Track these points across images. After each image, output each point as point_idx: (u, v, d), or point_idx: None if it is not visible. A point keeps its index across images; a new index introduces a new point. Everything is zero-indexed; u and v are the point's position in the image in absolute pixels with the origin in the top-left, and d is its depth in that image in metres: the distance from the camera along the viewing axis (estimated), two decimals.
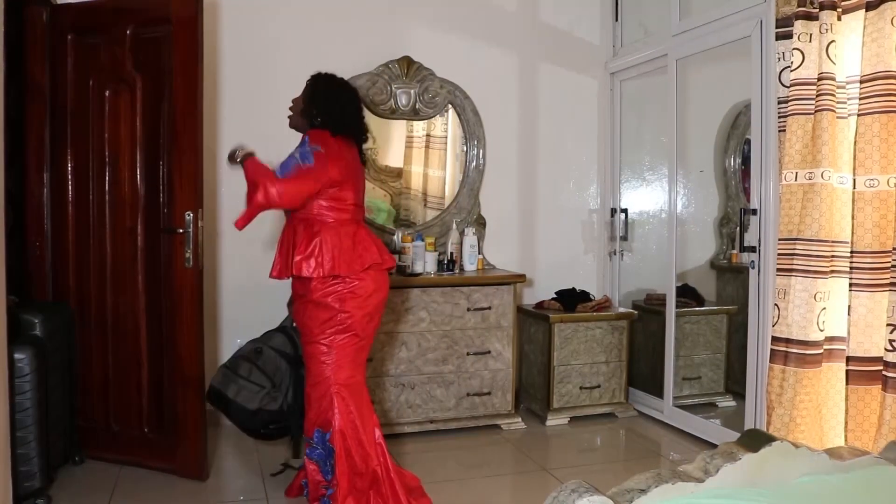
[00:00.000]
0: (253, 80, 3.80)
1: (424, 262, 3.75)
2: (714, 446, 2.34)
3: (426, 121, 4.13)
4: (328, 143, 2.54)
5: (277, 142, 3.84)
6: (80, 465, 3.13)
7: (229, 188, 3.79)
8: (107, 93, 3.12)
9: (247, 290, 3.82)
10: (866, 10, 2.61)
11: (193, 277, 2.96)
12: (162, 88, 3.03)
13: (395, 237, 3.96)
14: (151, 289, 3.11)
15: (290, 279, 2.61)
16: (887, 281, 2.57)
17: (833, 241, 2.71)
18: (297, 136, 3.82)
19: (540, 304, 4.10)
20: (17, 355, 2.58)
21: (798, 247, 2.78)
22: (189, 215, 2.93)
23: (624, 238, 4.40)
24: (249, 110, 3.80)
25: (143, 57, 3.06)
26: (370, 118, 3.96)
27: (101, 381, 3.17)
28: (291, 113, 2.77)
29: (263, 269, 3.80)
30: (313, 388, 2.59)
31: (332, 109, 2.63)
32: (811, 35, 2.77)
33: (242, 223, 2.48)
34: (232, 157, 2.53)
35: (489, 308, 3.73)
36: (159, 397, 3.12)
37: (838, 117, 2.70)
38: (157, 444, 3.10)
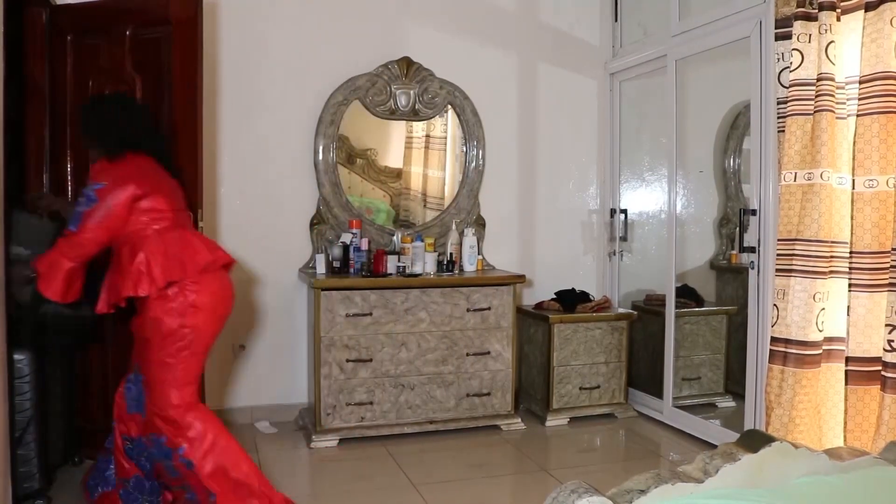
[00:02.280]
0: (252, 81, 3.80)
1: (424, 262, 3.75)
2: (714, 447, 2.34)
3: (426, 121, 4.13)
4: (109, 171, 2.43)
5: (276, 142, 3.87)
6: (80, 465, 3.12)
7: (229, 188, 3.79)
8: (107, 93, 3.11)
9: (246, 291, 3.82)
10: (865, 11, 2.61)
11: None
12: (162, 89, 3.03)
13: (394, 238, 3.96)
14: None
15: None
16: (886, 281, 2.57)
17: (832, 242, 2.71)
18: (294, 136, 3.87)
19: (539, 305, 4.10)
20: (16, 356, 2.58)
21: (797, 247, 2.79)
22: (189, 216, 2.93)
23: (623, 238, 4.41)
24: (248, 110, 3.80)
25: (142, 57, 3.06)
26: (369, 119, 3.98)
27: (101, 382, 3.17)
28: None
29: (262, 269, 3.84)
30: (150, 404, 2.47)
31: (107, 132, 2.50)
32: (810, 35, 2.77)
33: (51, 289, 2.36)
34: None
35: (489, 308, 3.73)
36: None
37: (837, 118, 2.71)
38: None
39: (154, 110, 3.06)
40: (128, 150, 2.48)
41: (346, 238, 3.75)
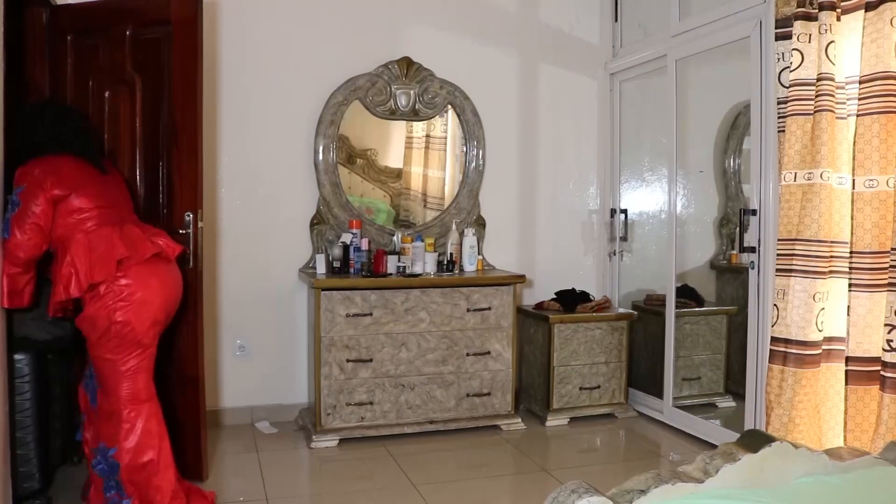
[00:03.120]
0: (252, 81, 3.80)
1: (424, 262, 3.75)
2: (714, 447, 2.34)
3: (426, 121, 4.13)
4: (27, 173, 2.44)
5: (276, 142, 3.87)
6: (79, 465, 3.12)
7: (229, 189, 3.79)
8: (106, 93, 3.11)
9: (246, 291, 3.82)
10: (865, 11, 2.61)
11: (193, 278, 2.95)
12: (161, 89, 3.03)
13: (394, 238, 3.96)
14: None
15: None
16: (886, 281, 2.57)
17: (832, 242, 2.71)
18: (294, 136, 3.86)
19: (540, 305, 4.10)
20: (16, 356, 2.57)
21: (797, 247, 2.79)
22: (189, 216, 2.93)
23: (623, 239, 4.40)
24: (249, 110, 3.80)
25: (142, 58, 3.06)
26: (369, 119, 3.98)
27: None
28: None
29: (263, 269, 3.84)
30: (102, 401, 2.50)
31: (22, 137, 2.53)
32: (810, 35, 2.77)
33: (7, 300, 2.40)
34: None
35: (489, 309, 3.73)
36: (159, 397, 3.10)
37: (837, 118, 2.71)
38: None
39: (154, 110, 3.07)
40: (44, 153, 2.50)
41: (347, 238, 3.76)
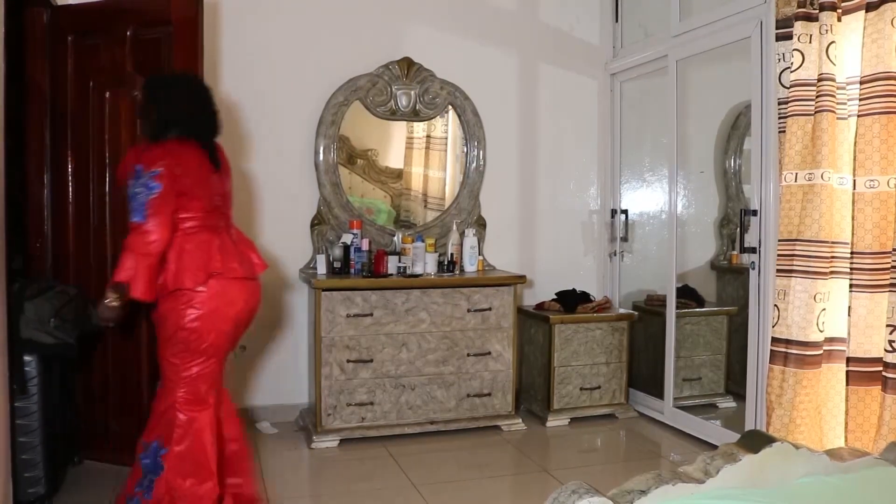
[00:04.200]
0: (253, 81, 3.80)
1: (425, 263, 3.75)
2: (714, 447, 2.34)
3: (426, 122, 4.13)
4: (160, 156, 2.33)
5: (276, 142, 3.87)
6: (79, 465, 3.12)
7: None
8: (107, 94, 3.11)
9: None
10: (866, 11, 2.61)
11: None
12: None
13: (395, 238, 3.96)
14: None
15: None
16: (887, 282, 2.57)
17: (833, 242, 2.71)
18: (294, 137, 3.86)
19: (540, 305, 4.09)
20: (25, 358, 2.56)
21: (798, 248, 2.78)
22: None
23: (624, 239, 4.40)
24: (249, 111, 3.80)
25: (143, 58, 3.06)
26: (370, 119, 3.98)
27: (101, 382, 3.17)
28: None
29: (271, 268, 3.78)
30: (161, 398, 2.48)
31: (167, 112, 2.42)
32: (811, 36, 2.77)
33: (139, 291, 2.28)
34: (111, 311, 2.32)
35: (489, 309, 3.73)
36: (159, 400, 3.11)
37: (838, 118, 2.71)
38: None
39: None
40: (173, 134, 2.39)
41: (347, 238, 3.76)
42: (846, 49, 2.71)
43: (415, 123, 4.11)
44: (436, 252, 3.84)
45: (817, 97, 2.74)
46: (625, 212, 4.39)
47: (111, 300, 2.29)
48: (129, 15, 3.06)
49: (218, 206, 2.51)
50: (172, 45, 2.94)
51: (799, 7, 2.80)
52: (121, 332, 3.13)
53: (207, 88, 2.56)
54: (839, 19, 2.70)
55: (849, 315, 2.73)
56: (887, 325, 2.53)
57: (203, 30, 2.94)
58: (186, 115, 2.45)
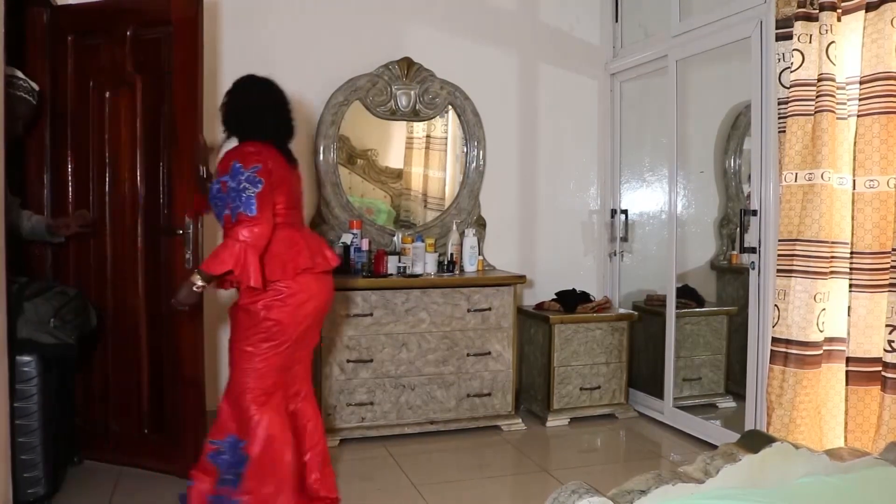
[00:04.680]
0: None
1: (425, 263, 3.75)
2: (714, 447, 2.34)
3: (426, 122, 4.13)
4: (254, 155, 2.43)
5: None
6: (79, 465, 3.12)
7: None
8: (107, 94, 3.12)
9: None
10: (866, 11, 2.61)
11: None
12: (162, 89, 3.03)
13: (395, 238, 3.96)
14: (151, 289, 3.11)
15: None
16: (887, 282, 2.57)
17: (833, 242, 2.71)
18: (301, 138, 3.85)
19: (540, 305, 4.09)
20: (24, 358, 2.56)
21: (798, 248, 2.78)
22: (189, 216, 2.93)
23: (624, 239, 4.40)
24: None
25: (143, 58, 3.06)
26: (370, 119, 3.98)
27: (101, 382, 3.17)
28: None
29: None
30: (231, 391, 2.52)
31: (249, 114, 2.54)
32: (811, 36, 2.77)
33: (250, 278, 2.34)
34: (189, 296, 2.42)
35: (489, 309, 3.73)
36: (159, 398, 3.12)
37: (838, 118, 2.71)
38: (157, 445, 3.10)
39: (154, 110, 3.07)
40: (261, 137, 2.50)
41: (347, 238, 3.76)
42: (846, 49, 2.71)
43: (415, 123, 4.11)
44: (436, 252, 3.84)
45: (817, 97, 2.74)
46: (625, 212, 4.39)
47: (199, 286, 2.38)
48: (129, 15, 3.06)
49: (296, 203, 2.61)
50: (172, 45, 2.94)
51: (799, 7, 2.80)
52: (120, 332, 3.13)
53: (284, 93, 2.65)
54: (839, 19, 2.70)
55: (849, 315, 2.73)
56: (887, 325, 2.53)
57: (203, 30, 2.93)
58: (268, 117, 2.56)
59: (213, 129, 3.71)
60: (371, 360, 3.55)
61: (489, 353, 3.74)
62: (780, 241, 2.89)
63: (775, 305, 2.88)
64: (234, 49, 3.76)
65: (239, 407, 2.49)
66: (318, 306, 2.58)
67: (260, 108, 2.56)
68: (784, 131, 2.89)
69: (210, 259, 2.37)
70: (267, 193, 2.39)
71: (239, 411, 2.49)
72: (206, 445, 2.56)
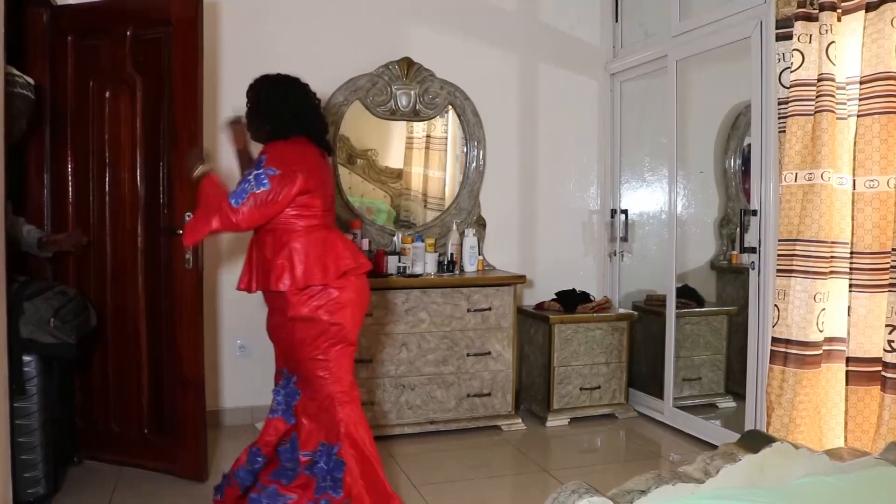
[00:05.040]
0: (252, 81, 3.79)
1: (424, 263, 3.75)
2: (714, 447, 2.34)
3: (426, 122, 4.13)
4: (286, 157, 2.40)
5: None
6: (79, 465, 3.12)
7: (230, 189, 3.78)
8: (107, 94, 3.12)
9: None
10: (866, 11, 2.61)
11: (193, 278, 2.96)
12: (162, 89, 3.03)
13: (395, 238, 3.96)
14: (151, 289, 3.12)
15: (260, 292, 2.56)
16: (887, 282, 2.57)
17: (833, 242, 2.71)
18: None
19: (540, 305, 4.10)
20: (25, 358, 2.56)
21: (798, 247, 2.78)
22: (189, 216, 2.93)
23: (624, 239, 4.40)
24: None
25: (143, 58, 3.07)
26: (370, 119, 3.98)
27: (101, 382, 3.17)
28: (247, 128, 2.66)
29: None
30: (311, 401, 2.52)
31: (280, 112, 2.50)
32: (811, 36, 2.77)
33: (191, 240, 2.47)
34: (190, 169, 2.49)
35: (489, 309, 3.73)
36: (159, 398, 3.12)
37: (838, 118, 2.71)
38: (157, 445, 3.10)
39: (154, 110, 3.07)
40: (295, 133, 2.48)
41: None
42: (846, 49, 2.71)
43: (415, 123, 4.11)
44: (436, 252, 3.84)
45: (817, 97, 2.74)
46: (625, 212, 4.39)
47: (194, 175, 2.46)
48: (129, 15, 3.06)
49: (330, 206, 2.59)
50: (172, 45, 2.95)
51: (799, 7, 2.80)
52: (121, 332, 3.13)
53: (311, 90, 2.63)
54: (839, 19, 2.70)
55: (848, 315, 2.73)
56: (887, 325, 2.53)
57: (203, 30, 2.93)
58: (300, 115, 2.53)
59: (214, 130, 3.72)
60: (371, 360, 3.54)
61: (489, 353, 3.74)
62: (779, 241, 2.89)
63: (775, 305, 2.88)
64: (234, 49, 3.76)
65: (327, 414, 2.48)
66: (365, 304, 2.59)
67: (289, 105, 2.53)
68: (784, 131, 2.89)
69: (211, 186, 2.43)
70: (264, 196, 2.34)
71: (327, 418, 2.49)
72: (300, 459, 2.53)
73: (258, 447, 2.59)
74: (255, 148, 2.61)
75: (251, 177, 2.36)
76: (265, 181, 2.34)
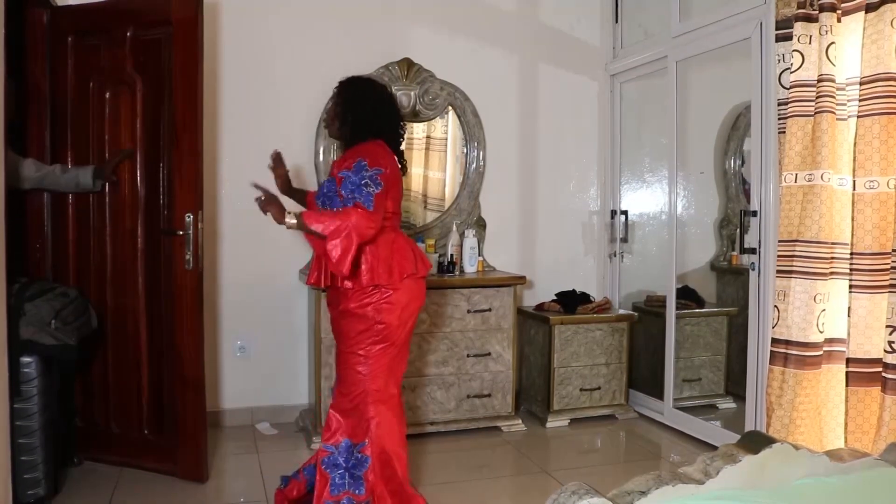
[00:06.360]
0: (253, 81, 3.80)
1: None
2: (714, 448, 2.34)
3: (426, 122, 4.13)
4: (382, 157, 2.45)
5: (276, 143, 3.84)
6: (79, 466, 3.12)
7: (229, 190, 3.79)
8: (107, 94, 3.12)
9: (246, 292, 3.82)
10: (866, 12, 2.61)
11: (193, 279, 2.96)
12: (162, 90, 3.03)
13: None
14: (151, 290, 3.12)
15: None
16: (887, 282, 2.57)
17: (833, 243, 2.71)
18: (294, 137, 3.86)
19: (540, 306, 4.09)
20: (24, 359, 2.55)
21: (798, 248, 2.78)
22: (189, 217, 2.93)
23: (624, 240, 4.40)
24: (249, 111, 3.80)
25: (143, 58, 3.07)
26: None
27: (102, 383, 3.17)
28: (326, 124, 2.69)
29: (263, 270, 3.84)
30: (344, 396, 2.53)
31: (378, 115, 2.56)
32: (811, 37, 2.77)
33: (345, 266, 2.31)
34: (279, 216, 2.40)
35: (489, 310, 3.73)
36: (159, 399, 3.12)
37: (838, 119, 2.71)
38: (157, 446, 3.10)
39: (154, 110, 3.07)
40: (380, 136, 2.52)
41: None
42: (846, 50, 2.71)
43: (415, 124, 4.11)
44: (436, 253, 3.84)
45: (817, 98, 2.74)
46: (625, 212, 4.39)
47: (289, 224, 2.36)
48: (129, 16, 3.06)
49: (400, 209, 2.64)
50: (173, 46, 2.95)
51: (799, 8, 2.80)
52: (121, 332, 3.13)
53: (394, 97, 2.67)
54: (839, 20, 2.70)
55: (848, 316, 2.73)
56: (887, 326, 2.53)
57: (203, 30, 2.93)
58: (384, 120, 2.58)
59: (213, 130, 3.72)
60: None
61: (489, 353, 3.74)
62: (779, 241, 2.89)
63: (775, 306, 2.88)
64: (234, 49, 3.76)
65: (357, 411, 2.50)
66: (417, 309, 2.61)
67: (375, 109, 2.57)
68: (784, 132, 2.89)
69: (315, 214, 2.38)
70: (382, 197, 2.39)
71: (357, 415, 2.50)
72: (320, 451, 2.57)
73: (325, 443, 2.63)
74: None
75: (364, 182, 2.36)
76: (378, 181, 2.38)
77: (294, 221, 2.35)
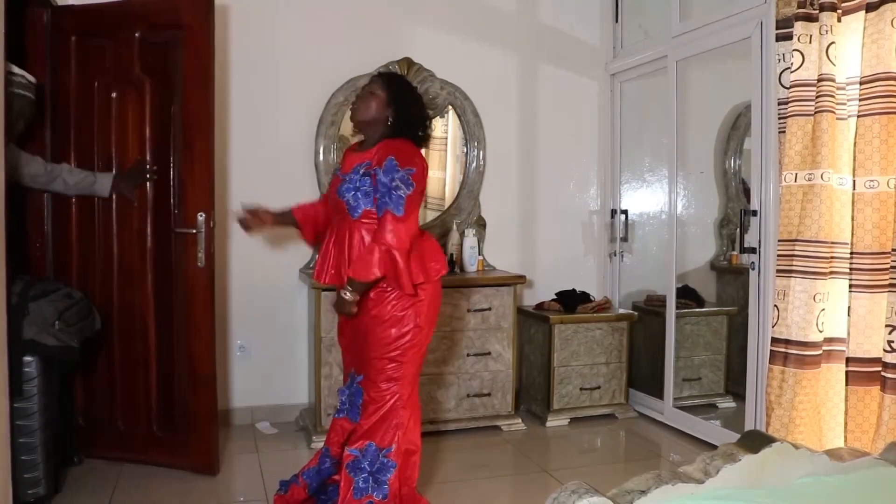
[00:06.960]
0: (256, 82, 3.80)
1: None
2: (714, 447, 2.34)
3: None
4: (413, 155, 2.41)
5: (277, 143, 3.87)
6: (79, 465, 3.12)
7: (237, 189, 3.78)
8: (113, 95, 3.11)
9: (246, 291, 3.82)
10: (866, 12, 2.62)
11: (205, 277, 2.98)
12: (171, 91, 3.03)
13: None
14: (160, 289, 3.12)
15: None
16: (887, 282, 2.57)
17: (832, 243, 2.71)
18: (295, 137, 3.86)
19: (540, 305, 4.10)
20: (26, 358, 2.55)
21: (798, 248, 2.79)
22: (201, 216, 2.96)
23: (624, 239, 4.40)
24: (253, 112, 3.80)
25: (151, 60, 3.05)
26: None
27: (108, 381, 3.17)
28: (355, 109, 2.54)
29: (264, 269, 3.84)
30: (371, 402, 2.46)
31: (410, 114, 2.49)
32: (811, 36, 2.77)
33: (413, 279, 2.36)
34: (348, 307, 2.39)
35: (489, 309, 3.73)
36: (168, 395, 3.12)
37: (838, 118, 2.71)
38: (166, 441, 3.12)
39: (163, 111, 3.07)
40: (411, 136, 2.48)
41: None
42: (846, 49, 2.71)
43: None
44: None
45: (817, 97, 2.74)
46: (625, 212, 4.40)
47: (352, 296, 2.35)
48: (137, 18, 3.05)
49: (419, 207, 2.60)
50: (184, 49, 2.94)
51: (799, 7, 2.80)
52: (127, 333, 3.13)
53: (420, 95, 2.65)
54: (839, 20, 2.71)
55: (848, 315, 2.73)
56: (886, 326, 2.53)
57: (214, 34, 2.93)
58: (420, 124, 2.53)
59: (223, 131, 3.71)
60: None
61: (489, 353, 3.74)
62: (779, 241, 2.89)
63: (775, 306, 2.89)
64: (237, 49, 3.76)
65: (386, 417, 2.45)
66: (438, 308, 2.59)
67: (414, 109, 2.52)
68: (784, 132, 2.89)
69: (359, 266, 2.33)
70: (416, 197, 2.36)
71: (386, 420, 2.45)
72: (345, 455, 2.50)
73: (327, 447, 2.60)
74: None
75: (395, 184, 2.31)
76: (410, 181, 2.33)
77: (356, 291, 2.35)
